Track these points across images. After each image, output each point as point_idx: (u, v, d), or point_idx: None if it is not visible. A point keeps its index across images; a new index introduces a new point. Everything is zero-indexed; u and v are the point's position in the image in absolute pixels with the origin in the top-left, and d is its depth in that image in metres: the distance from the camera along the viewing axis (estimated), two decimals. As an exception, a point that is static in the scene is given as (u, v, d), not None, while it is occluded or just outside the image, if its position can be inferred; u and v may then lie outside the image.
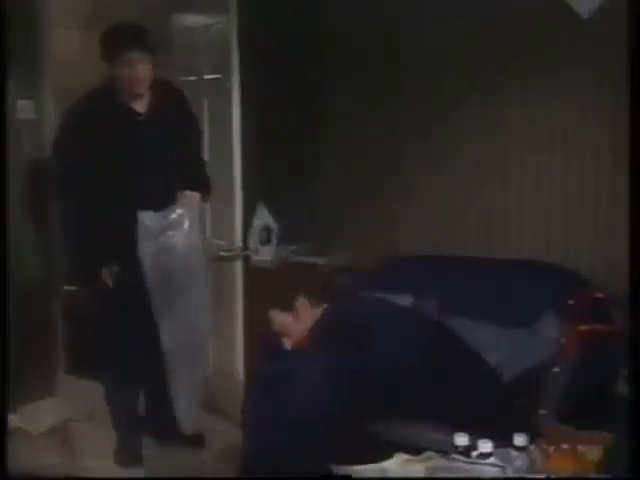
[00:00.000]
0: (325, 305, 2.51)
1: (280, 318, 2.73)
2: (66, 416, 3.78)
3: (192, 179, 3.21)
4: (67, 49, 4.21)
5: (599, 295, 2.76)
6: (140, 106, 3.11)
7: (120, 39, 3.02)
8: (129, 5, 4.19)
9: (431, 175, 3.75)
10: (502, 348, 3.02)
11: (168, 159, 3.13)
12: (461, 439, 1.79)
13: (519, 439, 1.84)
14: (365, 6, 3.78)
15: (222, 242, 3.66)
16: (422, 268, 3.53)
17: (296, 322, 2.66)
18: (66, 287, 3.94)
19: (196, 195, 3.20)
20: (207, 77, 3.80)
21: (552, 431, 1.99)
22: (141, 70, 3.02)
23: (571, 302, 2.66)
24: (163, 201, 3.11)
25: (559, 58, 3.28)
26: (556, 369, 2.23)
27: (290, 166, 4.04)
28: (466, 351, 2.39)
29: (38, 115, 3.74)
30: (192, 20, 3.90)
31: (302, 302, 2.65)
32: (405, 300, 3.42)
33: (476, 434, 1.89)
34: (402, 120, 3.76)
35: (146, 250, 3.09)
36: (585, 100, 3.24)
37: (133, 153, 3.05)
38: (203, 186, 3.25)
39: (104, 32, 3.08)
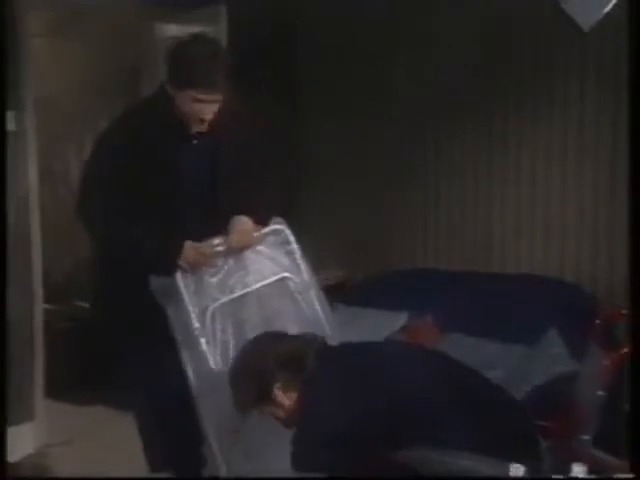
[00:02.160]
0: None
1: None
2: (45, 442, 3.62)
3: (249, 201, 2.73)
4: (48, 59, 4.09)
5: (624, 312, 2.71)
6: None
7: (193, 72, 2.55)
8: (111, 15, 4.12)
9: (427, 189, 3.70)
10: (503, 366, 2.96)
11: (222, 182, 2.72)
12: (516, 469, 1.71)
13: (516, 469, 1.74)
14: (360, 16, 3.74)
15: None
16: (418, 284, 3.47)
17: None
18: (45, 306, 3.81)
19: (246, 221, 2.67)
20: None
21: (589, 457, 1.93)
22: (208, 112, 2.60)
23: (598, 322, 2.61)
24: (207, 230, 2.68)
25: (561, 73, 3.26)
26: (600, 392, 2.17)
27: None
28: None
29: (19, 126, 3.60)
30: (177, 29, 3.81)
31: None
32: (401, 317, 3.36)
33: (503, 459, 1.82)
34: (402, 135, 3.72)
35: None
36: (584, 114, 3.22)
37: (180, 177, 2.69)
38: (262, 208, 2.72)
39: (176, 51, 2.62)
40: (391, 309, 3.36)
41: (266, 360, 2.28)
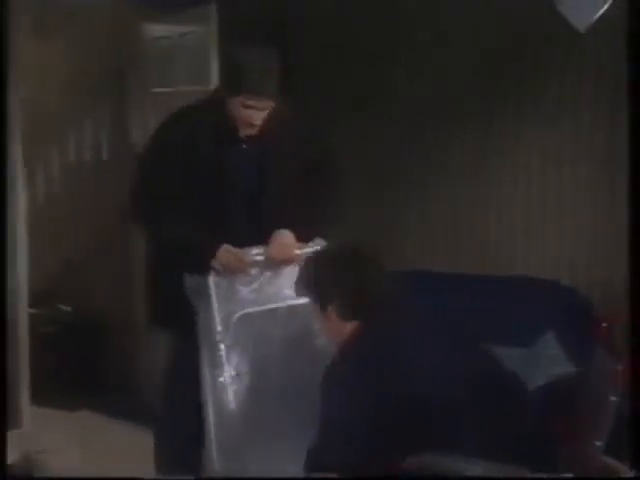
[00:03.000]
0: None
1: None
2: (32, 449, 3.55)
3: (294, 215, 2.67)
4: (33, 61, 4.00)
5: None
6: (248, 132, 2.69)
7: (246, 79, 2.54)
8: (98, 15, 4.06)
9: (420, 190, 3.68)
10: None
11: (268, 190, 2.69)
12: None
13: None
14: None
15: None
16: (411, 285, 3.44)
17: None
18: (30, 311, 3.75)
19: (288, 235, 2.64)
20: (184, 88, 3.66)
21: (600, 464, 1.90)
22: (258, 117, 2.60)
23: (604, 324, 2.60)
24: (249, 237, 2.65)
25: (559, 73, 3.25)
26: (613, 398, 2.15)
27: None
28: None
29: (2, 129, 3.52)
30: (165, 29, 3.76)
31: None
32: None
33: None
34: (402, 135, 3.68)
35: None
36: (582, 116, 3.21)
37: (227, 180, 2.67)
38: (306, 224, 2.66)
39: (231, 56, 2.65)
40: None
41: (330, 267, 2.20)
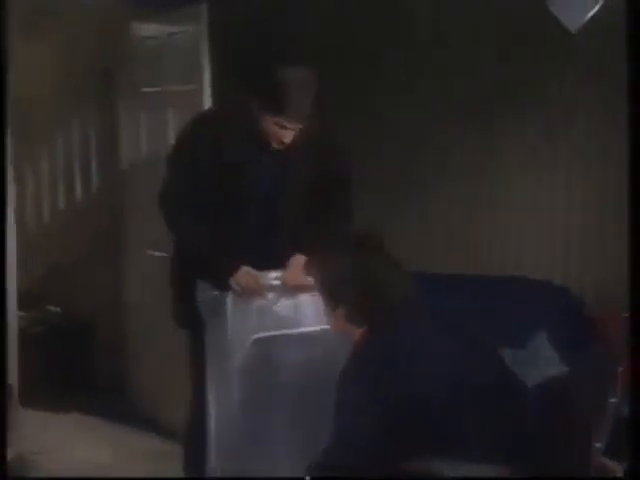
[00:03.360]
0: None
1: None
2: (19, 450, 3.51)
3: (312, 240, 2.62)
4: (20, 61, 3.96)
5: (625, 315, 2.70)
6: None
7: (283, 101, 2.48)
8: (87, 14, 4.02)
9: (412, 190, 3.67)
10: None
11: (291, 211, 2.67)
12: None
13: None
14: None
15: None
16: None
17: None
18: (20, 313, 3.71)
19: (303, 261, 2.60)
20: (173, 88, 3.63)
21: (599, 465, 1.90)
22: (289, 137, 2.58)
23: (600, 325, 2.60)
24: (269, 254, 2.63)
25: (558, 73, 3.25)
26: (613, 399, 2.15)
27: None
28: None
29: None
30: (156, 29, 3.73)
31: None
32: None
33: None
34: (402, 135, 3.68)
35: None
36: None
37: (252, 193, 2.65)
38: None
39: (268, 76, 2.54)
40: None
41: (340, 268, 2.15)
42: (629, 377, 1.74)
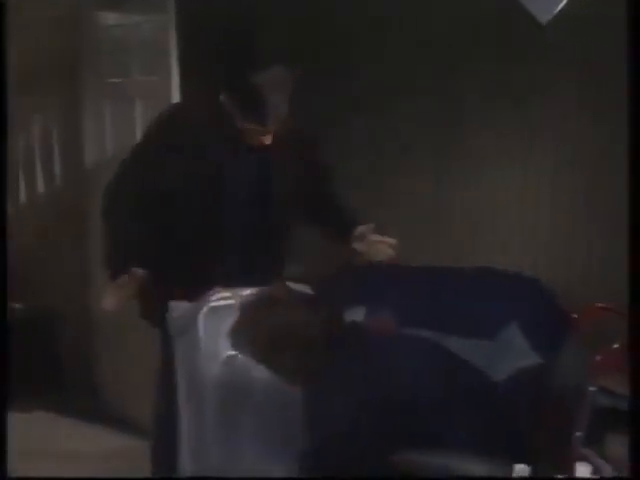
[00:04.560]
0: None
1: None
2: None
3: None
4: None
5: (601, 305, 2.71)
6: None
7: (261, 109, 2.39)
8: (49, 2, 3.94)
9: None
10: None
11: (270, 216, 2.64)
12: (521, 469, 1.68)
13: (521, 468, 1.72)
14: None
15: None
16: (376, 278, 3.42)
17: None
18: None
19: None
20: (139, 78, 3.57)
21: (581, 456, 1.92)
22: (267, 139, 2.53)
23: (575, 316, 2.62)
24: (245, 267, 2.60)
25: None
26: (592, 388, 2.17)
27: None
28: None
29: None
30: (121, 18, 3.66)
31: None
32: (358, 313, 3.30)
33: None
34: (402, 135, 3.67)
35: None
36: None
37: (226, 199, 2.58)
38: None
39: (243, 82, 2.43)
40: (347, 304, 3.31)
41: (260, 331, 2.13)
42: (629, 377, 1.74)
